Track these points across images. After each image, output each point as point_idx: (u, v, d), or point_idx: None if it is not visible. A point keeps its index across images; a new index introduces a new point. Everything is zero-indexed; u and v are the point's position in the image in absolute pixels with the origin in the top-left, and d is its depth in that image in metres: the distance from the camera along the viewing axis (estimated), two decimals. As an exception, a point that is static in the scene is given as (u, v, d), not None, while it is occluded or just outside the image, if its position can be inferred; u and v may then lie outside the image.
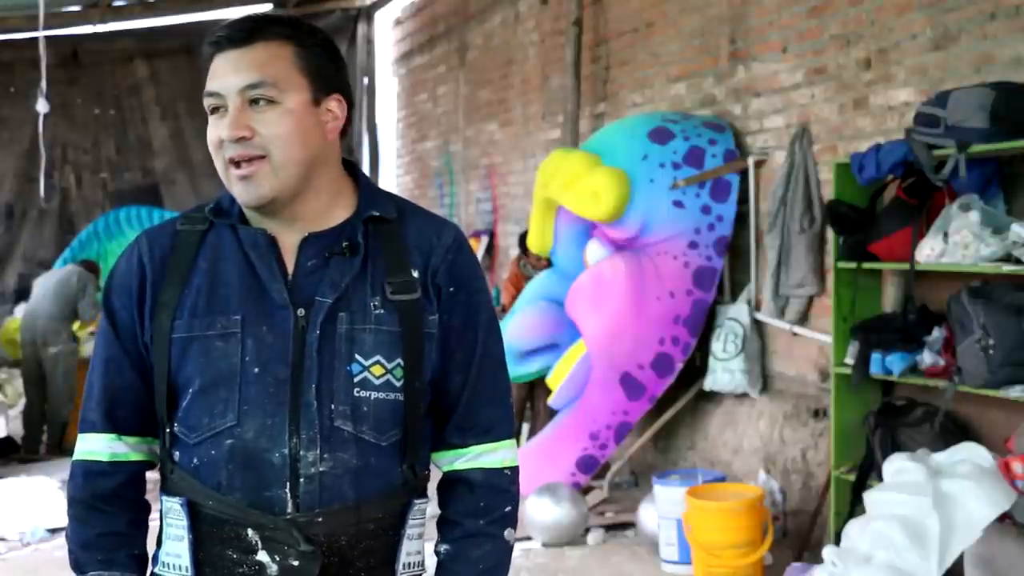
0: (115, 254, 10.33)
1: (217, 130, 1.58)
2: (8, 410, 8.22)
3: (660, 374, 5.74)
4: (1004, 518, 3.54)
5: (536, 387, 6.71)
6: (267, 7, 11.87)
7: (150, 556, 1.66)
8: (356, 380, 1.57)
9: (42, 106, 7.70)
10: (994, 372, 3.81)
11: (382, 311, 1.59)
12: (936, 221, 4.10)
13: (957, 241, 3.94)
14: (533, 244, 6.56)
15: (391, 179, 11.58)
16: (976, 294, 3.89)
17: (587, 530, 5.49)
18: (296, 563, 1.54)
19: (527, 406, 7.00)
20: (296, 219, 1.61)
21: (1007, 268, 3.79)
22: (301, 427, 1.55)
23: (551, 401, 6.22)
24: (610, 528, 5.60)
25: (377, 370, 1.58)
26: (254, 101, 1.56)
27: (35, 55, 7.81)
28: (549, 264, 6.66)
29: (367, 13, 11.75)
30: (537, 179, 6.35)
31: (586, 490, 5.93)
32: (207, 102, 1.59)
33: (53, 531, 5.77)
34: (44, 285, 8.12)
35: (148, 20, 11.75)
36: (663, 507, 4.97)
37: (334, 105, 1.62)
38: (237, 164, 1.56)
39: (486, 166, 9.27)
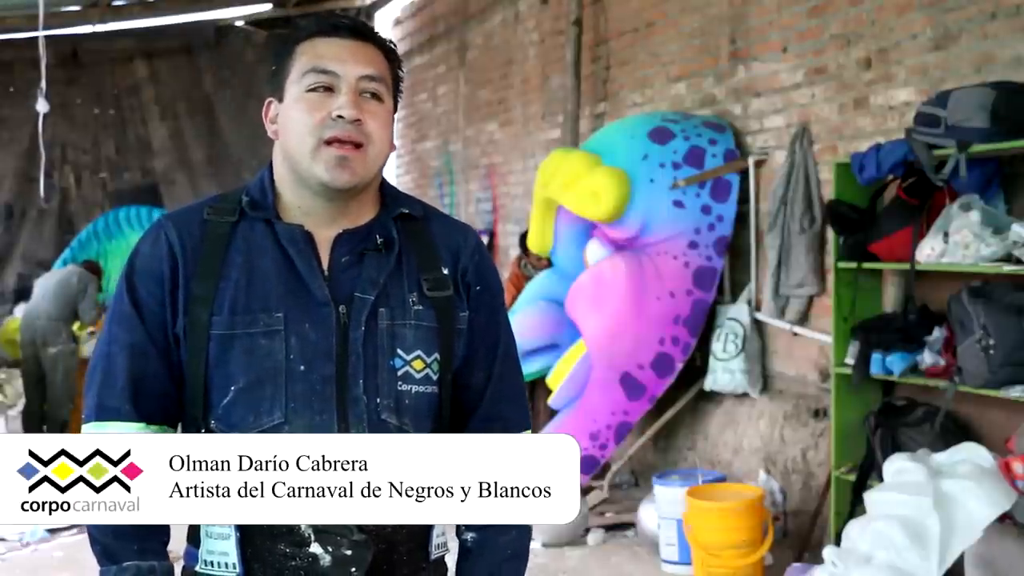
0: (115, 254, 10.32)
1: (323, 107, 1.59)
2: (8, 410, 8.23)
3: (660, 374, 5.74)
4: (1004, 518, 3.54)
5: (536, 387, 6.70)
6: (267, 7, 11.87)
7: (182, 554, 1.66)
8: (399, 374, 1.62)
9: (42, 106, 7.71)
10: (994, 372, 3.81)
11: (420, 307, 1.64)
12: (936, 221, 4.09)
13: (957, 241, 3.93)
14: (533, 244, 6.56)
15: (391, 179, 11.55)
16: (976, 294, 3.89)
17: (587, 530, 5.49)
18: (349, 552, 1.56)
19: (527, 406, 6.99)
20: (342, 215, 1.65)
21: (1007, 268, 3.79)
22: (351, 422, 1.58)
23: (551, 401, 6.22)
24: (610, 528, 5.60)
25: (418, 364, 1.63)
26: (368, 93, 1.61)
27: (35, 55, 7.81)
28: (549, 264, 6.66)
29: (367, 13, 11.75)
30: (537, 179, 6.35)
31: (586, 490, 5.93)
32: (313, 78, 1.61)
33: (53, 531, 5.77)
34: (44, 285, 8.13)
35: (148, 20, 11.74)
36: (663, 507, 4.97)
37: (394, 122, 1.71)
38: (336, 146, 1.59)
39: (486, 166, 9.27)
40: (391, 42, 1.71)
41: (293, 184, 1.65)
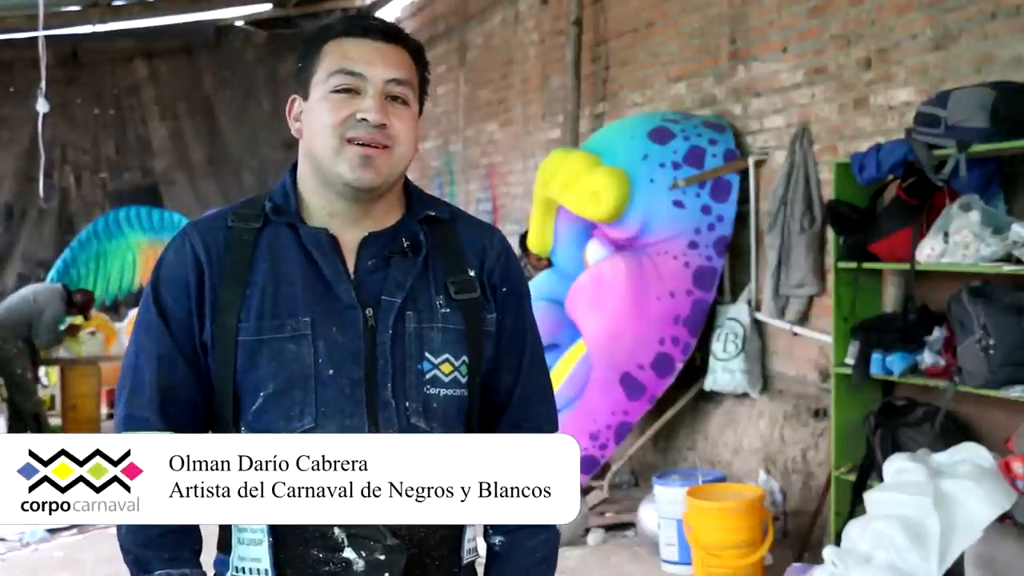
0: (115, 254, 10.33)
1: (347, 107, 1.59)
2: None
3: (660, 374, 5.74)
4: (1004, 518, 3.54)
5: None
6: (267, 7, 11.87)
7: (211, 560, 1.65)
8: (427, 378, 1.61)
9: (42, 106, 7.72)
10: (994, 372, 3.81)
11: (447, 310, 1.63)
12: (936, 221, 4.09)
13: (957, 241, 3.93)
14: (533, 244, 6.56)
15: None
16: (976, 294, 3.89)
17: (587, 530, 5.49)
18: (383, 557, 1.56)
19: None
20: (367, 216, 1.64)
21: (1007, 268, 3.79)
22: (381, 426, 1.57)
23: (551, 401, 6.21)
24: (610, 528, 5.60)
25: (446, 368, 1.62)
26: (392, 97, 1.61)
27: (35, 55, 7.81)
28: (549, 264, 6.66)
29: (367, 13, 11.75)
30: (537, 179, 6.35)
31: (586, 490, 5.92)
32: (340, 79, 1.60)
33: (53, 531, 5.77)
34: (16, 293, 8.37)
35: (148, 20, 11.73)
36: (663, 507, 4.97)
37: (420, 125, 1.70)
38: (360, 145, 1.58)
39: (486, 166, 9.27)
40: (420, 45, 1.70)
41: (317, 184, 1.64)
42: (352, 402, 1.57)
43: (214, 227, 1.65)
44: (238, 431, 1.60)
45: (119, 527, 1.60)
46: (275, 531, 1.56)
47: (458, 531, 1.63)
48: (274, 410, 1.58)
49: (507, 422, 1.69)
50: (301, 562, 1.57)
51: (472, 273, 1.66)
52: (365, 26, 1.63)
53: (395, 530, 1.55)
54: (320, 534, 1.56)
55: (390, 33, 1.64)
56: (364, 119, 1.58)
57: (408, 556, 1.57)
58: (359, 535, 1.55)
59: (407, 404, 1.59)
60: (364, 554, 1.56)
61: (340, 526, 1.55)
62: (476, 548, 1.68)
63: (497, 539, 1.68)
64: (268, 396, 1.58)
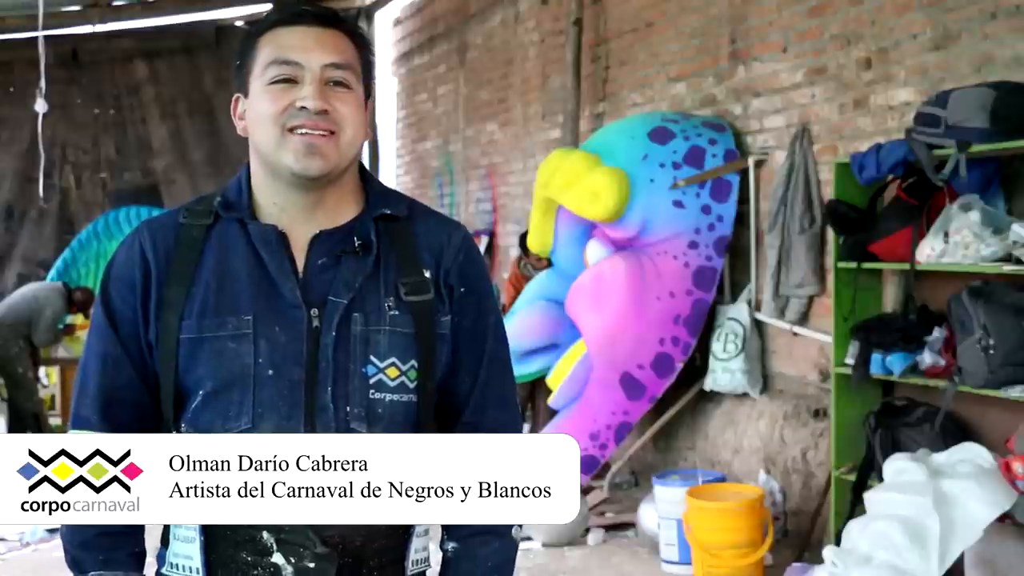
0: (115, 254, 10.34)
1: (285, 98, 1.55)
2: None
3: (660, 374, 5.74)
4: (1004, 518, 3.54)
5: (536, 387, 6.70)
6: (267, 7, 11.87)
7: (154, 556, 1.64)
8: (372, 382, 1.56)
9: (41, 106, 7.72)
10: (994, 372, 3.81)
11: (396, 312, 1.58)
12: (936, 221, 4.09)
13: (957, 241, 3.94)
14: (533, 244, 6.56)
15: (391, 179, 11.59)
16: (976, 294, 3.89)
17: (587, 530, 5.49)
18: (312, 565, 1.53)
19: (528, 406, 7.00)
20: (319, 208, 1.60)
21: (1007, 268, 3.79)
22: (318, 429, 1.54)
23: (551, 401, 6.22)
24: (610, 528, 5.60)
25: (392, 372, 1.57)
26: (333, 82, 1.57)
27: (34, 55, 7.82)
28: (549, 264, 6.66)
29: (367, 13, 11.74)
30: (537, 179, 6.35)
31: (586, 490, 5.93)
32: (276, 70, 1.56)
33: (52, 531, 5.77)
34: (17, 291, 8.40)
35: (148, 20, 11.74)
36: (663, 507, 4.97)
37: (368, 111, 1.65)
38: (304, 134, 1.54)
39: (486, 166, 9.27)
40: (359, 27, 1.67)
41: (266, 179, 1.61)
42: (289, 403, 1.54)
43: (166, 224, 1.62)
44: (179, 431, 1.58)
45: (62, 528, 1.59)
46: (207, 531, 1.55)
47: (401, 542, 1.60)
48: (212, 409, 1.55)
49: (463, 426, 1.63)
50: (231, 564, 1.55)
51: (427, 274, 1.60)
52: (298, 13, 1.59)
53: (325, 538, 1.53)
54: (249, 538, 1.53)
55: (325, 18, 1.60)
56: (304, 107, 1.54)
57: (342, 565, 1.54)
58: (288, 541, 1.53)
59: (348, 408, 1.55)
60: (293, 560, 1.53)
61: (270, 530, 1.53)
62: (426, 559, 1.65)
63: (450, 545, 1.63)
64: (207, 395, 1.55)
